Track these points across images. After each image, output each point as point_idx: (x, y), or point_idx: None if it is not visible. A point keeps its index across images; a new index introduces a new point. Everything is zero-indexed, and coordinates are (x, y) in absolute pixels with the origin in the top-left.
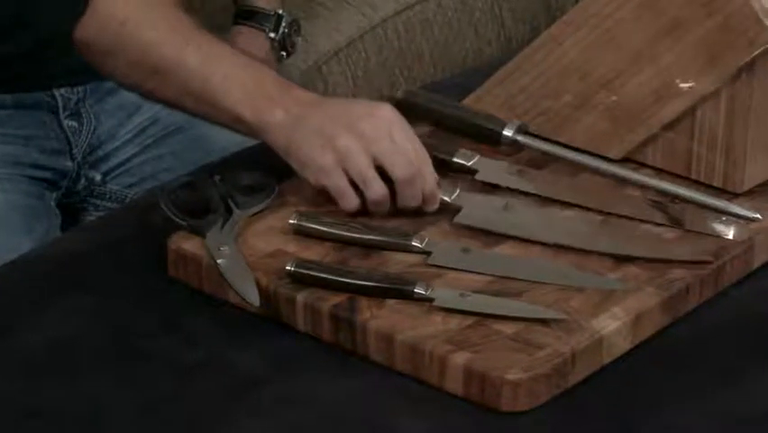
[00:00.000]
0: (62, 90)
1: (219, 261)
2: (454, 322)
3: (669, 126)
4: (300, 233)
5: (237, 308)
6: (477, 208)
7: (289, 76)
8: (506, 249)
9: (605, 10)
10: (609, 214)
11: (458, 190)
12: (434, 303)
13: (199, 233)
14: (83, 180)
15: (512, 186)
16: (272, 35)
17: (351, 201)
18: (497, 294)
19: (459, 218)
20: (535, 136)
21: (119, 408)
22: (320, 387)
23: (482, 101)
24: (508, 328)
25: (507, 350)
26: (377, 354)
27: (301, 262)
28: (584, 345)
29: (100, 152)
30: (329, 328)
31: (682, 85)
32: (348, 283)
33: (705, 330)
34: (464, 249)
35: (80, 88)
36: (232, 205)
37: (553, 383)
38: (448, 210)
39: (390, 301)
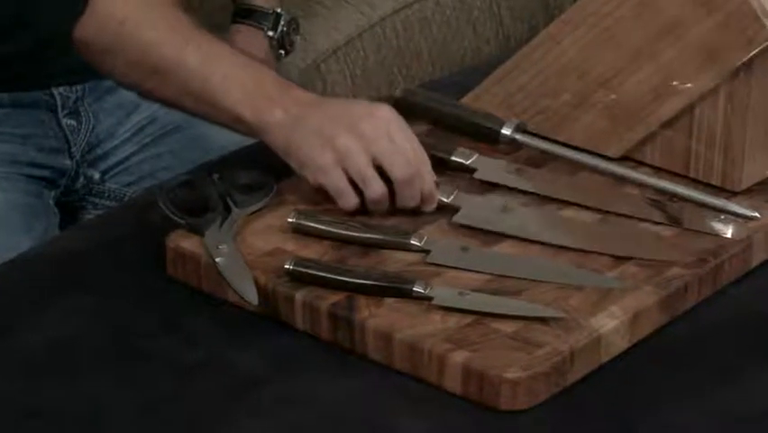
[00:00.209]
0: (61, 89)
1: (218, 259)
2: (453, 321)
3: (667, 125)
4: (299, 231)
5: (236, 306)
6: (475, 209)
7: (288, 74)
8: (505, 248)
9: (603, 8)
10: (608, 212)
11: (456, 191)
12: (433, 302)
13: (198, 231)
14: (81, 179)
15: (510, 184)
16: (271, 34)
17: (349, 200)
18: (495, 293)
19: (457, 218)
20: (534, 135)
21: (118, 407)
22: (319, 386)
23: (481, 100)
24: (507, 327)
25: (506, 349)
26: (375, 352)
27: (300, 261)
28: (583, 343)
29: (99, 151)
30: (328, 327)
31: (681, 83)
32: (346, 282)
33: (703, 329)
34: (463, 248)
35: (79, 87)
36: (230, 203)
37: (551, 382)
38: (447, 209)
39: (389, 300)
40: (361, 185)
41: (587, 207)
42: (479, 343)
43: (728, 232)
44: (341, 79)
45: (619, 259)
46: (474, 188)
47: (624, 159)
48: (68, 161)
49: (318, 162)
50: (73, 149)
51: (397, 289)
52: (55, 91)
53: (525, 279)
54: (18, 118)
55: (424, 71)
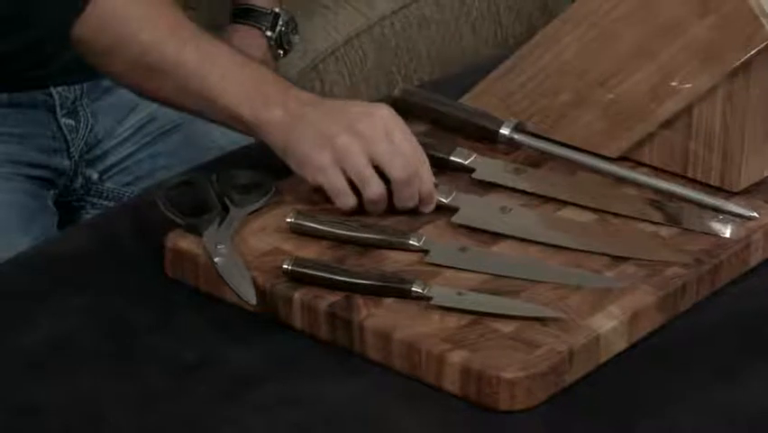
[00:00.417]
0: (59, 88)
1: (216, 259)
2: (452, 321)
3: (666, 125)
4: (297, 231)
5: (234, 306)
6: (474, 209)
7: (286, 74)
8: (503, 248)
9: (602, 8)
10: (606, 212)
11: (455, 191)
12: (432, 302)
13: (196, 231)
14: (80, 179)
15: (509, 184)
16: (269, 33)
17: (347, 200)
18: (494, 293)
19: (456, 219)
20: (532, 135)
21: (117, 406)
22: (317, 386)
23: (479, 99)
24: (506, 327)
25: (505, 348)
26: (374, 352)
27: (298, 261)
28: (581, 343)
29: (97, 151)
30: (326, 327)
31: (679, 84)
32: (345, 282)
33: (702, 329)
34: (462, 248)
35: (77, 87)
36: (229, 203)
37: (550, 382)
38: (446, 209)
39: (388, 300)
40: (359, 185)
41: (585, 208)
42: (477, 343)
43: (727, 232)
44: (339, 79)
45: (618, 259)
46: (473, 189)
47: (622, 159)
48: (66, 161)
49: (316, 162)
50: (71, 149)
51: (395, 289)
52: (53, 91)
53: (523, 279)
54: (16, 118)
55: (422, 71)
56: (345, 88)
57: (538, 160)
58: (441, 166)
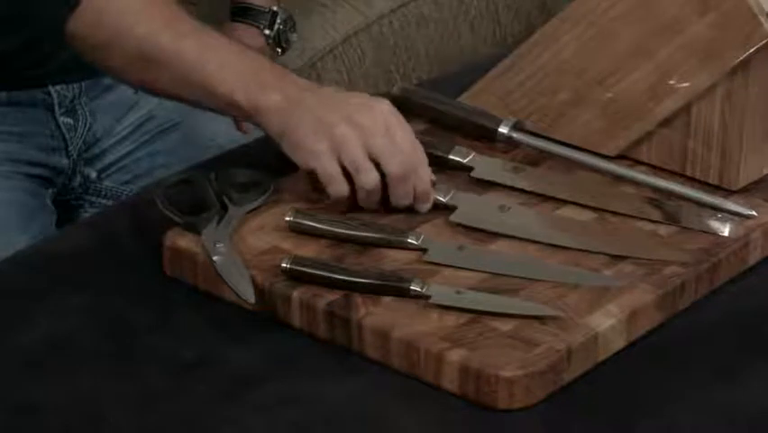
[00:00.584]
0: (58, 87)
1: (215, 258)
2: (450, 319)
3: (665, 123)
4: (296, 230)
5: (232, 305)
6: (473, 208)
7: None
8: (502, 246)
9: (600, 7)
10: (605, 211)
11: (453, 190)
12: (430, 300)
13: (195, 230)
14: (78, 177)
15: (507, 183)
16: (267, 32)
17: (339, 187)
18: (493, 291)
19: (454, 217)
20: (531, 133)
21: (115, 404)
22: (316, 384)
23: (478, 98)
24: (504, 325)
25: (503, 347)
26: (373, 351)
27: (297, 260)
28: (579, 341)
29: (96, 149)
30: (325, 326)
31: (678, 82)
32: (344, 280)
33: (700, 327)
34: (460, 246)
35: (76, 85)
36: (227, 202)
37: (548, 380)
38: (444, 208)
39: (386, 298)
40: (353, 173)
41: (584, 206)
42: (476, 341)
43: (725, 230)
44: (338, 78)
45: (616, 257)
46: (472, 187)
47: (621, 157)
48: (65, 160)
49: (312, 147)
50: (70, 147)
51: (394, 287)
52: (52, 89)
53: (522, 277)
54: (15, 116)
55: (421, 70)
56: (343, 87)
57: (537, 158)
58: (439, 164)
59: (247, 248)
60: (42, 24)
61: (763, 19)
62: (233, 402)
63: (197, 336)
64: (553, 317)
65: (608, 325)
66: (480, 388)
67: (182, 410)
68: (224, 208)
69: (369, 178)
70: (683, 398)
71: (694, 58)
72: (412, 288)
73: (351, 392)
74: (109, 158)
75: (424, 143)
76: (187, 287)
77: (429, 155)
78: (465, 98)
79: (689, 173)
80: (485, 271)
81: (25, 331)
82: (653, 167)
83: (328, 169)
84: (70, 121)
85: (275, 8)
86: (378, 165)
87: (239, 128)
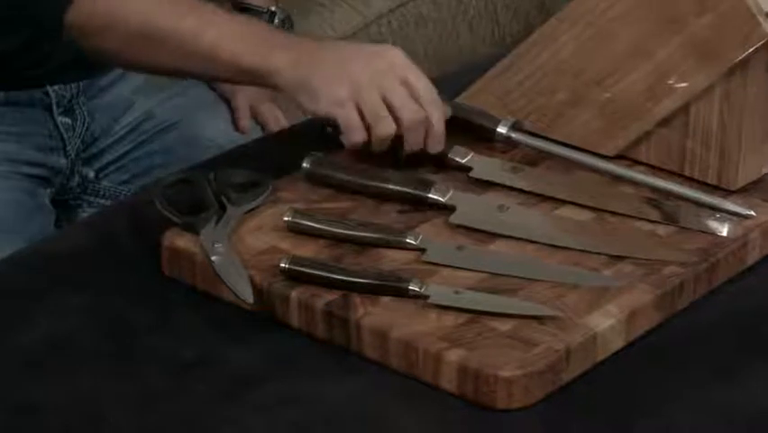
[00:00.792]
0: (56, 87)
1: (213, 258)
2: (449, 319)
3: (663, 123)
4: (294, 230)
5: (231, 305)
6: (472, 208)
7: None
8: (500, 246)
9: (599, 7)
10: (604, 211)
11: (452, 191)
12: (429, 300)
13: (193, 230)
14: (77, 177)
15: (506, 183)
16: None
17: (359, 135)
18: (491, 291)
19: (453, 218)
20: (529, 133)
21: (114, 404)
22: (315, 384)
23: (477, 98)
24: (503, 325)
25: (502, 347)
26: (371, 351)
27: (295, 260)
28: (578, 341)
29: (94, 149)
30: (323, 326)
31: (676, 82)
32: (342, 280)
33: (699, 327)
34: (459, 246)
35: (74, 85)
36: (226, 202)
37: (547, 380)
38: (443, 208)
39: (385, 298)
40: (372, 122)
41: (582, 206)
42: (474, 341)
43: (724, 230)
44: None
45: (615, 257)
46: (470, 187)
47: (619, 157)
48: (63, 160)
49: (333, 95)
50: (68, 147)
51: (392, 287)
52: (50, 89)
53: (520, 277)
54: (13, 116)
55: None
56: None
57: (535, 158)
58: (438, 164)
59: (245, 248)
60: (42, 21)
61: (761, 19)
62: (233, 402)
63: (196, 336)
64: (552, 318)
65: (606, 325)
66: (478, 388)
67: (182, 410)
68: (223, 208)
69: (386, 127)
70: (682, 398)
71: (692, 58)
72: (410, 288)
73: (350, 392)
74: (107, 158)
75: None
76: (185, 287)
77: (427, 155)
78: (464, 98)
79: (687, 173)
80: (484, 271)
81: (25, 331)
82: (652, 167)
83: (351, 117)
84: (68, 121)
85: (273, 8)
86: (390, 111)
87: (237, 128)
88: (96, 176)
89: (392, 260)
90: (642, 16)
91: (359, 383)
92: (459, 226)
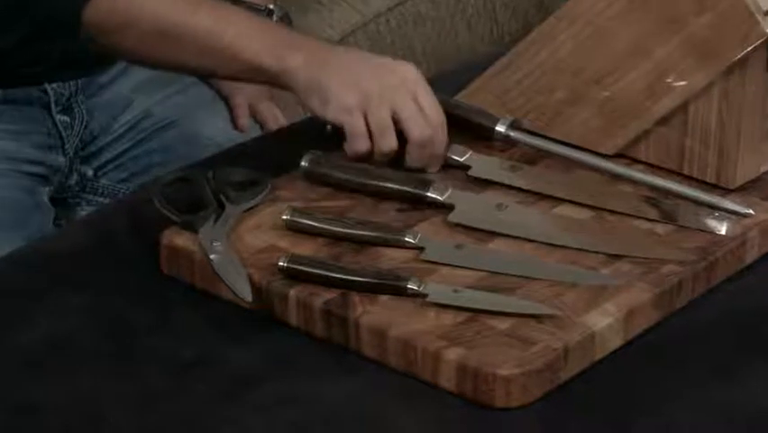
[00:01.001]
0: (54, 85)
1: (212, 256)
2: (447, 318)
3: (662, 122)
4: (293, 228)
5: (230, 303)
6: (470, 207)
7: None
8: (499, 245)
9: (597, 5)
10: (602, 209)
11: (450, 190)
12: (428, 299)
13: (192, 228)
14: (75, 176)
15: (505, 181)
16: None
17: (363, 145)
18: (490, 290)
19: (452, 217)
20: (528, 132)
21: (113, 404)
22: (313, 383)
23: (475, 97)
24: (501, 324)
25: (500, 346)
26: (370, 349)
27: (294, 258)
28: (577, 340)
29: (92, 147)
30: (321, 324)
31: (675, 81)
32: (341, 279)
33: (697, 326)
34: (458, 245)
35: (72, 83)
36: (224, 200)
37: (545, 379)
38: (441, 206)
39: (383, 297)
40: (376, 134)
41: (581, 205)
42: (473, 340)
43: (722, 229)
44: None
45: (613, 256)
46: (469, 186)
47: (618, 156)
48: (61, 158)
49: (343, 101)
50: (66, 145)
51: (391, 286)
52: (48, 87)
53: (519, 276)
54: (11, 115)
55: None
56: None
57: (534, 157)
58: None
59: (244, 247)
60: (56, 16)
61: (760, 18)
62: (232, 402)
63: (196, 335)
64: (551, 316)
65: (605, 323)
66: (477, 386)
67: (181, 410)
68: (221, 207)
69: (390, 143)
70: (681, 397)
71: (691, 56)
72: (409, 286)
73: (349, 392)
74: (106, 156)
75: None
76: (184, 285)
77: None
78: (462, 97)
79: (686, 172)
80: (482, 270)
81: (24, 331)
82: (651, 165)
83: (357, 125)
84: (67, 119)
85: (271, 6)
86: (397, 125)
87: (236, 127)
88: (95, 174)
89: (391, 258)
90: (641, 15)
91: (357, 382)
92: (457, 225)
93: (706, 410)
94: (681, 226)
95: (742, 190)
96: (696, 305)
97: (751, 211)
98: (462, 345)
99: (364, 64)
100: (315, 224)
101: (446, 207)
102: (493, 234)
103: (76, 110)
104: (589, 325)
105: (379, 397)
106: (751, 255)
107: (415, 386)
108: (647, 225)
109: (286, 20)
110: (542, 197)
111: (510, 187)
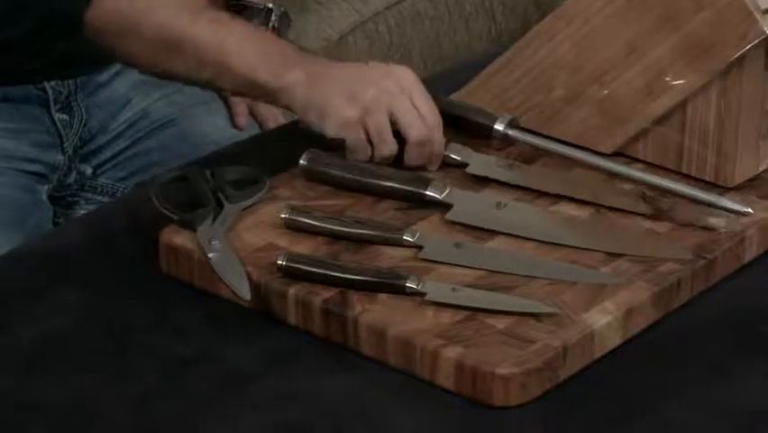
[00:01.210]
0: (53, 83)
1: (210, 255)
2: (446, 316)
3: (660, 121)
4: (292, 227)
5: (228, 302)
6: (469, 206)
7: None
8: (498, 244)
9: (596, 4)
10: (601, 208)
11: (449, 188)
12: (426, 297)
13: (190, 227)
14: (74, 174)
15: (502, 179)
16: (262, 29)
17: (364, 154)
18: (489, 288)
19: (451, 216)
20: (526, 131)
21: (112, 402)
22: (312, 381)
23: (473, 95)
24: (500, 323)
25: (499, 344)
26: (368, 348)
27: (292, 257)
28: (576, 339)
29: (91, 146)
30: (320, 323)
31: (673, 80)
32: (339, 278)
33: (697, 324)
34: (456, 244)
35: (71, 81)
36: (223, 199)
37: (544, 378)
38: (440, 205)
39: (382, 296)
40: (376, 140)
41: (580, 203)
42: (471, 338)
43: (721, 226)
44: None
45: (613, 254)
46: (467, 185)
47: (617, 155)
48: (60, 156)
49: (343, 115)
50: (65, 144)
51: (389, 284)
52: (47, 85)
53: (518, 275)
54: (10, 113)
55: (416, 67)
56: None
57: (532, 156)
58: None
59: (243, 245)
60: (58, 15)
61: (758, 16)
62: (231, 399)
63: (194, 333)
64: (550, 315)
65: (604, 322)
66: (475, 385)
67: (180, 408)
68: (220, 205)
69: (389, 149)
70: (679, 395)
71: (689, 55)
72: (408, 285)
73: (347, 390)
74: (105, 154)
75: None
76: (182, 284)
77: None
78: (460, 96)
79: (684, 170)
80: (481, 269)
81: (21, 328)
82: (649, 164)
83: (358, 138)
84: (66, 117)
85: (270, 5)
86: (394, 126)
87: (235, 125)
88: (94, 173)
89: (389, 257)
90: (639, 13)
91: (356, 381)
92: (456, 224)
93: (705, 409)
94: (680, 225)
95: (740, 189)
96: (695, 303)
97: (749, 210)
98: (461, 343)
99: (360, 75)
100: (314, 222)
101: (445, 206)
102: (492, 233)
103: (75, 108)
104: (589, 323)
105: (378, 395)
106: (749, 254)
107: (413, 384)
108: (646, 223)
109: (285, 19)
110: (540, 195)
111: (509, 185)
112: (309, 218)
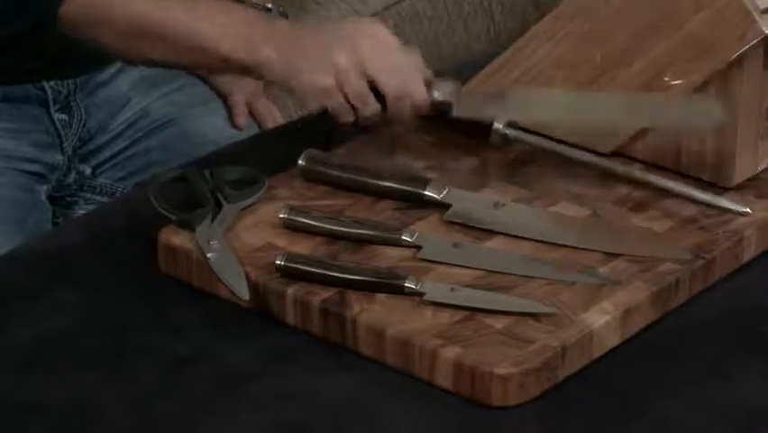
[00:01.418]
0: (52, 83)
1: (209, 255)
2: (444, 316)
3: None
4: (290, 227)
5: (227, 302)
6: (467, 206)
7: None
8: (496, 244)
9: (594, 4)
10: (599, 208)
11: (447, 188)
12: (425, 297)
13: (189, 227)
14: (73, 174)
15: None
16: None
17: (348, 117)
18: (487, 288)
19: (449, 216)
20: (525, 130)
21: (110, 402)
22: (310, 381)
23: None
24: (498, 323)
25: (497, 344)
26: (367, 348)
27: (291, 257)
28: (574, 339)
29: (90, 146)
30: (319, 323)
31: (672, 79)
32: (338, 277)
33: (695, 324)
34: (455, 244)
35: (70, 81)
36: (221, 199)
37: (543, 378)
38: (439, 205)
39: (380, 296)
40: (358, 104)
41: (578, 203)
42: (470, 339)
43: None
44: None
45: (611, 254)
46: (466, 185)
47: (615, 154)
48: (59, 156)
49: (320, 85)
50: (65, 144)
51: (388, 284)
52: (46, 85)
53: (516, 275)
54: (9, 113)
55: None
56: None
57: (531, 155)
58: (434, 160)
59: (241, 245)
60: (36, 12)
61: (757, 16)
62: (229, 399)
63: (192, 332)
64: (548, 315)
65: (602, 322)
66: (474, 385)
67: (178, 407)
68: (219, 205)
69: (370, 109)
70: (678, 395)
71: (688, 55)
72: (406, 285)
73: (346, 389)
74: (104, 154)
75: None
76: (181, 284)
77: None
78: None
79: (683, 170)
80: (479, 269)
81: (20, 328)
82: (648, 164)
83: (340, 105)
84: (65, 117)
85: (269, 5)
86: (373, 85)
87: (234, 125)
88: (93, 173)
89: (388, 257)
90: (638, 13)
91: (355, 380)
92: (455, 224)
93: (703, 408)
94: (679, 224)
95: (739, 189)
96: (693, 303)
97: (748, 210)
98: (459, 343)
99: (333, 40)
100: (313, 222)
101: (444, 206)
102: (490, 233)
103: (74, 108)
104: (587, 323)
105: (377, 395)
106: (748, 254)
107: (412, 384)
108: (645, 223)
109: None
110: (539, 195)
111: (508, 184)
112: (308, 218)
